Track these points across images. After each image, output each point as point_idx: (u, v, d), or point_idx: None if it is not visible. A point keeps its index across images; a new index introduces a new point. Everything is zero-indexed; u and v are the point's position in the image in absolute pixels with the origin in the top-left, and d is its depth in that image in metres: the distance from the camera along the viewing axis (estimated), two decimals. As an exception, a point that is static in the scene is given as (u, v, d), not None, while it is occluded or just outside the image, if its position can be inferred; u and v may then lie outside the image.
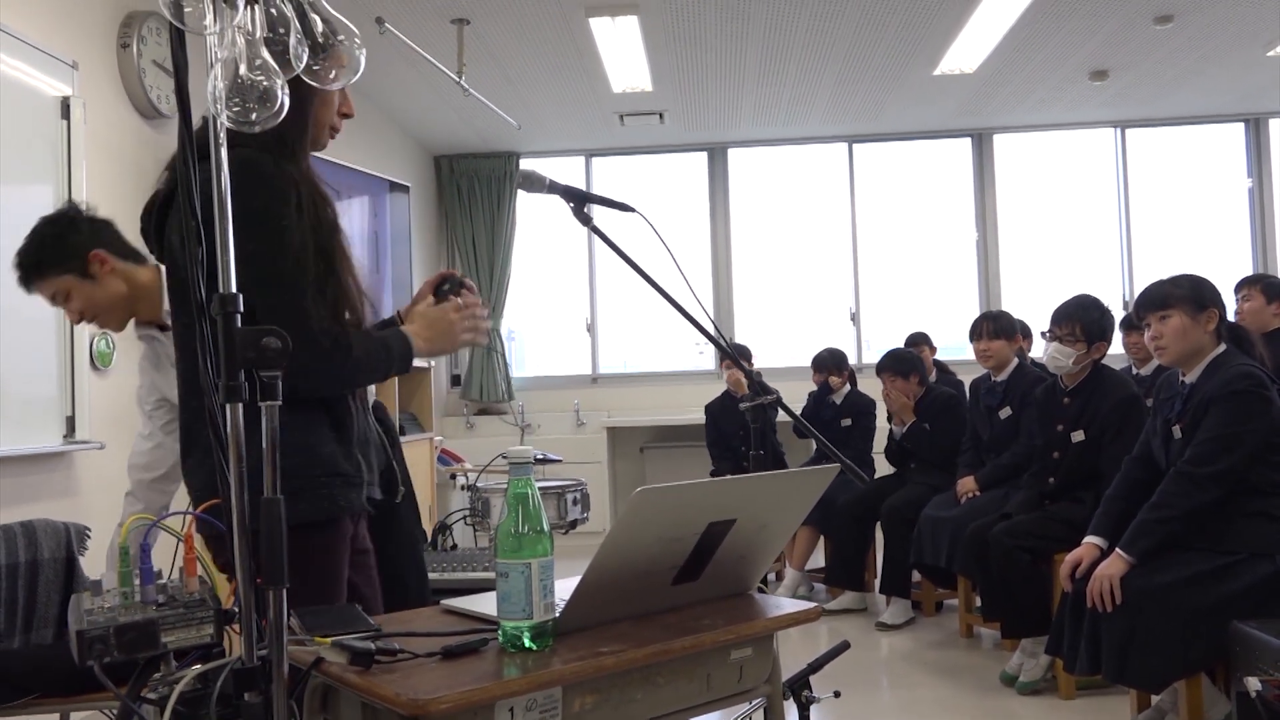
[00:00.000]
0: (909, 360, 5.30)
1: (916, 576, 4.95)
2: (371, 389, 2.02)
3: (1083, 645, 3.03)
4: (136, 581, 1.18)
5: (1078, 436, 3.81)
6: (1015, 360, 4.63)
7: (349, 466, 1.72)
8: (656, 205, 8.16)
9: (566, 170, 8.13)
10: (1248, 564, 2.81)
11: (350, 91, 1.79)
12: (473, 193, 7.98)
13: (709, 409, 6.33)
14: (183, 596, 1.17)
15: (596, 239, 2.31)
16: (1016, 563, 3.74)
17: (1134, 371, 4.88)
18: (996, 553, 3.78)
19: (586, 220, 2.19)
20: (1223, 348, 2.99)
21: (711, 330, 2.06)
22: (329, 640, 1.28)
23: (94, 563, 2.69)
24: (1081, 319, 3.77)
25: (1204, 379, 2.97)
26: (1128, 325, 4.95)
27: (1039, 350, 4.16)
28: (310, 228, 1.65)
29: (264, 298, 1.55)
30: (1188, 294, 2.99)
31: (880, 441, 5.63)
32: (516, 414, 7.83)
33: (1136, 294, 7.81)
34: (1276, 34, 5.97)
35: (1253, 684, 2.45)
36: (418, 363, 1.99)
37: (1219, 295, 3.04)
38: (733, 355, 2.12)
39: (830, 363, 5.82)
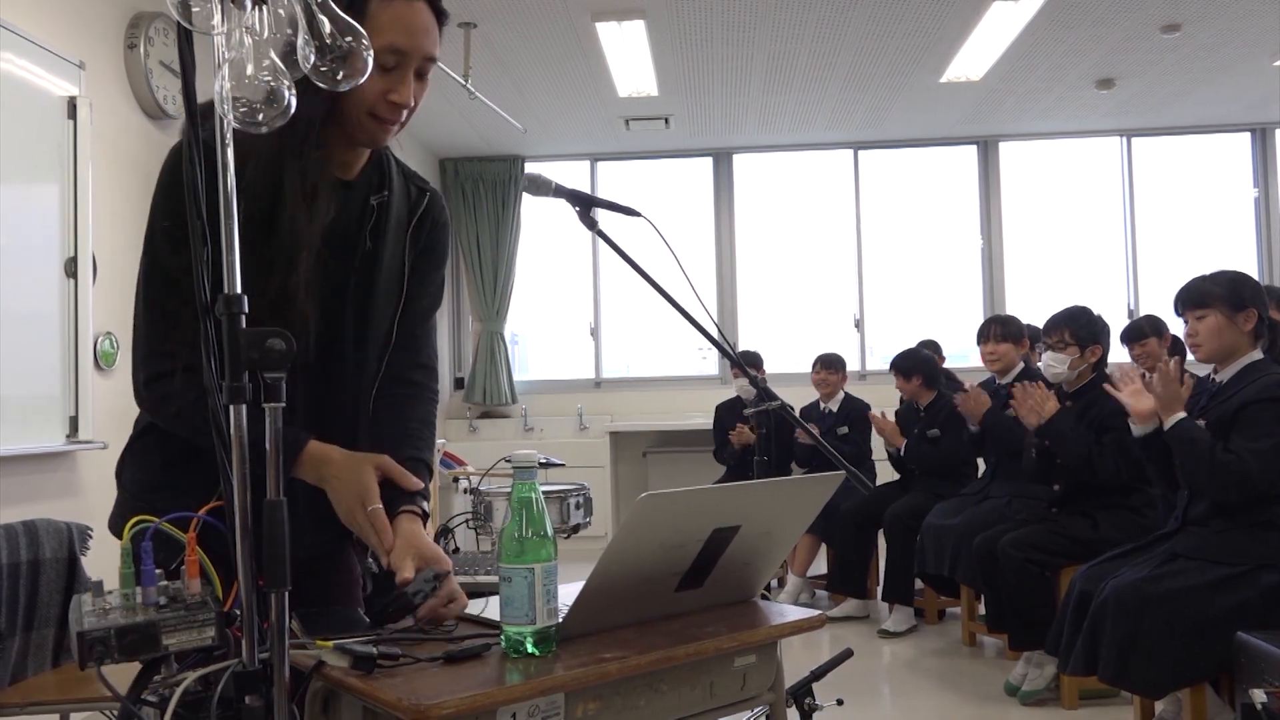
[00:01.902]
0: (917, 361, 5.27)
1: (919, 584, 4.94)
2: None
3: (1079, 645, 3.03)
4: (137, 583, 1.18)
5: None
6: (1021, 364, 4.62)
7: (184, 493, 1.35)
8: (662, 210, 8.16)
9: (572, 174, 8.13)
10: (1253, 575, 2.80)
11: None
12: (477, 196, 7.98)
13: (719, 410, 6.33)
14: (184, 598, 1.16)
15: (601, 243, 2.31)
16: (1026, 575, 3.73)
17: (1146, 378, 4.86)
18: (1006, 565, 3.77)
19: (592, 224, 2.18)
20: (1258, 354, 2.98)
21: (717, 336, 2.05)
22: (331, 644, 1.27)
23: (96, 562, 2.69)
24: (1069, 325, 3.83)
25: (1236, 382, 2.96)
26: (1129, 338, 4.91)
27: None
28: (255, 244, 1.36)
29: (136, 305, 1.46)
30: (1225, 293, 2.97)
31: (879, 449, 5.62)
32: (519, 417, 7.83)
33: (1141, 303, 7.84)
34: (1284, 44, 5.96)
35: (1258, 696, 2.44)
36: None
37: (1260, 293, 3.01)
38: (739, 362, 2.11)
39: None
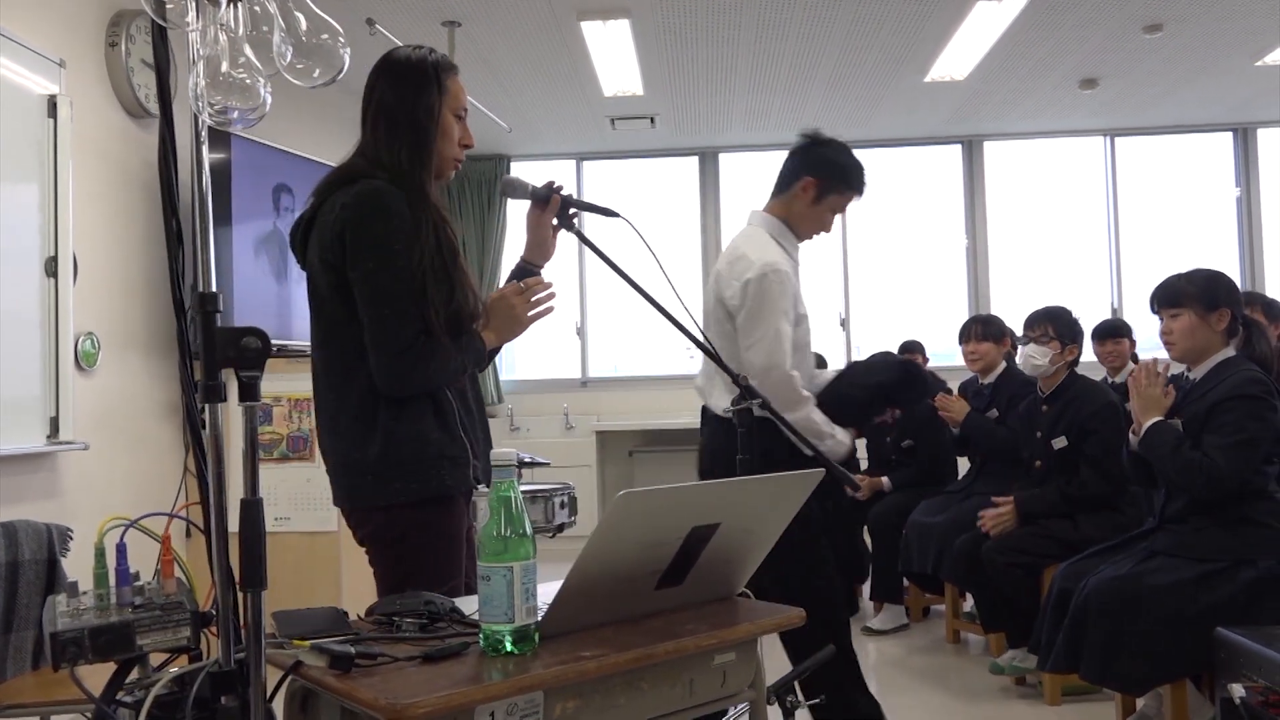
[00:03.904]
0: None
1: (904, 582, 4.95)
2: None
3: (1060, 641, 3.04)
4: (112, 583, 1.17)
5: (1059, 443, 3.83)
6: (1003, 364, 4.63)
7: (455, 449, 1.94)
8: (647, 209, 8.15)
9: (557, 174, 8.10)
10: (1232, 571, 2.82)
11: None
12: (463, 195, 7.96)
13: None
14: (159, 598, 1.15)
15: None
16: (1010, 578, 3.75)
17: (1109, 380, 4.92)
18: (991, 571, 3.79)
19: (570, 226, 2.21)
20: (1231, 351, 3.00)
21: (697, 334, 2.05)
22: (308, 643, 1.27)
23: (75, 564, 2.67)
24: (1052, 321, 3.90)
25: (1208, 380, 2.99)
26: (1100, 335, 4.98)
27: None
28: (434, 250, 1.88)
29: (369, 312, 1.86)
30: (1199, 293, 2.99)
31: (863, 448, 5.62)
32: (505, 417, 7.81)
33: (1124, 302, 7.87)
34: (1264, 44, 6.00)
35: (1237, 690, 2.46)
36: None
37: (1234, 292, 3.03)
38: (719, 359, 2.11)
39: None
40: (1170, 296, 3.04)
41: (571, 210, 2.19)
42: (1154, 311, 3.14)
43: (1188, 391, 3.03)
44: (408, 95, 1.91)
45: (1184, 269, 3.11)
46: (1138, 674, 2.87)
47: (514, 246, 7.99)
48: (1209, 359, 3.01)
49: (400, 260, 1.84)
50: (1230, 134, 7.97)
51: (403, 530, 1.88)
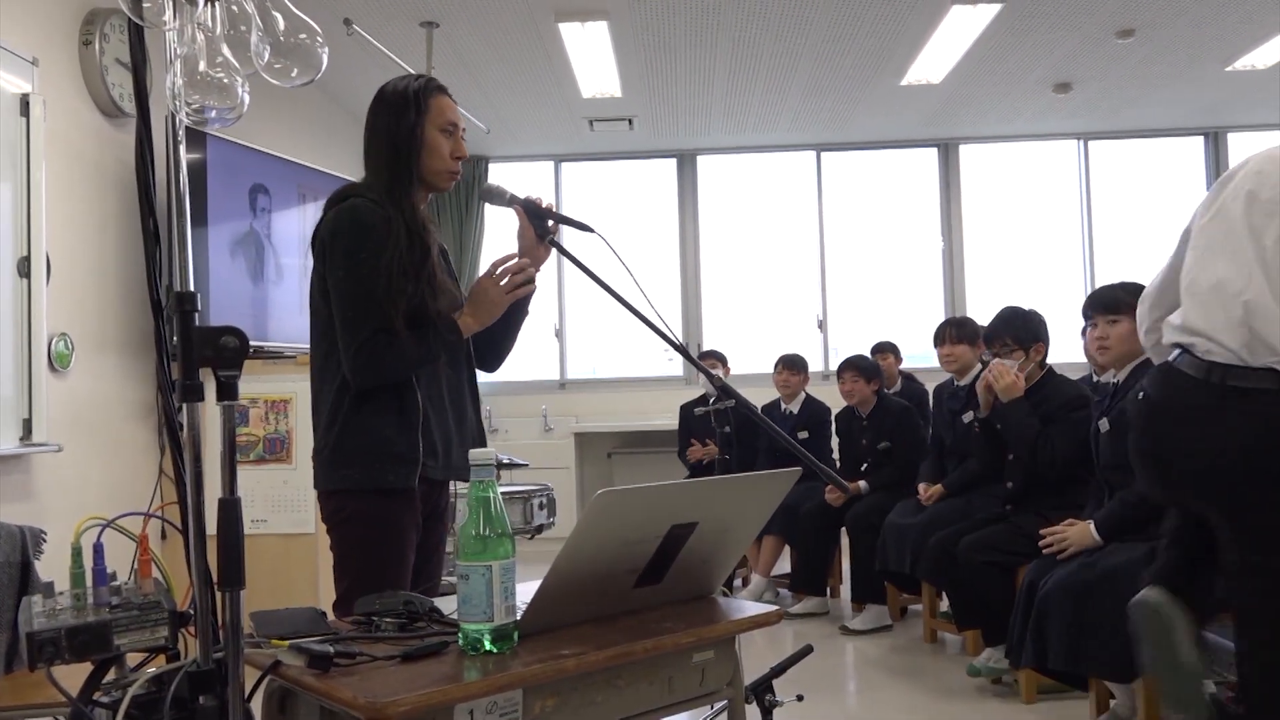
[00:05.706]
0: (875, 364, 5.39)
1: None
2: None
3: (1028, 638, 3.11)
4: (89, 583, 1.17)
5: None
6: (978, 366, 4.67)
7: (404, 447, 2.06)
8: (626, 211, 8.16)
9: (536, 176, 8.11)
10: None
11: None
12: (440, 197, 7.92)
13: (684, 410, 6.32)
14: (136, 598, 1.15)
15: (565, 242, 2.33)
16: (985, 576, 3.78)
17: (1094, 379, 4.97)
18: (966, 568, 3.82)
19: (544, 234, 2.25)
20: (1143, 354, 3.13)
21: (670, 335, 2.07)
22: (286, 643, 1.26)
23: (49, 566, 2.65)
24: (1008, 330, 3.97)
25: (1132, 378, 3.16)
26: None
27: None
28: (404, 250, 2.04)
29: (337, 313, 2.04)
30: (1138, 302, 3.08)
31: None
32: (484, 418, 7.80)
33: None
34: (1235, 49, 6.08)
35: (1208, 687, 2.50)
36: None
37: None
38: (694, 360, 2.12)
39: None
40: (1109, 304, 3.25)
41: (550, 222, 2.25)
42: (1087, 318, 3.28)
43: (1113, 394, 3.16)
44: (390, 121, 2.10)
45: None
46: (1108, 657, 2.92)
47: (491, 248, 8.00)
48: (1131, 362, 3.21)
49: (366, 268, 2.00)
50: (1201, 138, 8.07)
51: (347, 515, 2.07)
